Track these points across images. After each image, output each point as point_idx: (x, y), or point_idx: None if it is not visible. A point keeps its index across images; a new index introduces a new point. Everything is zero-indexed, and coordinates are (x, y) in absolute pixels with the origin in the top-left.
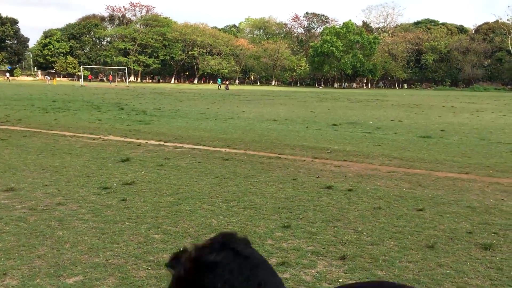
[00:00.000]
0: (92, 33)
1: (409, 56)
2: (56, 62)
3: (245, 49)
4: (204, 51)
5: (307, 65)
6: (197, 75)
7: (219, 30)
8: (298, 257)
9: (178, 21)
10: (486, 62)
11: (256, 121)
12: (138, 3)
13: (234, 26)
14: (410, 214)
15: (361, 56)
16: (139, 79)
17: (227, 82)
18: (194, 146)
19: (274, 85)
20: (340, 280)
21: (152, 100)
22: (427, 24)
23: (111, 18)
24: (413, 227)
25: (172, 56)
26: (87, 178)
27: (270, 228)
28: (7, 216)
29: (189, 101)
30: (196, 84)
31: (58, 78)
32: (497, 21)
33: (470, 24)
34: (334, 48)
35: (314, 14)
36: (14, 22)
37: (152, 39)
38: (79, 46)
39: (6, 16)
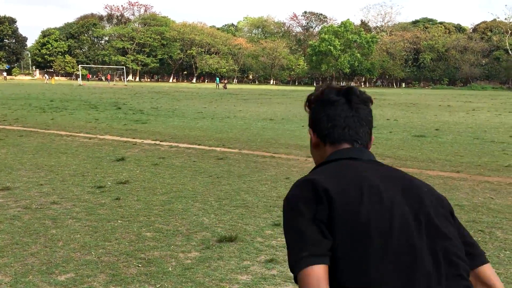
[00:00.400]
0: (90, 32)
1: (407, 55)
2: (54, 61)
3: (243, 48)
4: (203, 50)
5: (305, 64)
6: (196, 74)
7: (218, 29)
8: (286, 255)
9: (176, 20)
10: (483, 61)
11: (252, 120)
12: (136, 2)
13: (233, 25)
14: None
15: (359, 55)
16: (137, 78)
17: (225, 81)
18: (189, 145)
19: (272, 84)
20: None
21: (150, 99)
22: (425, 23)
23: (110, 17)
24: None
25: (171, 55)
26: (82, 177)
27: (261, 226)
28: (1, 214)
29: (186, 100)
30: (194, 83)
31: (56, 78)
32: (494, 20)
33: (468, 23)
34: (332, 47)
35: (312, 13)
36: (12, 21)
37: (150, 38)
38: (78, 45)
39: (4, 15)
